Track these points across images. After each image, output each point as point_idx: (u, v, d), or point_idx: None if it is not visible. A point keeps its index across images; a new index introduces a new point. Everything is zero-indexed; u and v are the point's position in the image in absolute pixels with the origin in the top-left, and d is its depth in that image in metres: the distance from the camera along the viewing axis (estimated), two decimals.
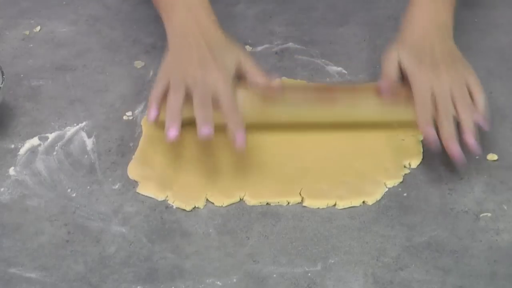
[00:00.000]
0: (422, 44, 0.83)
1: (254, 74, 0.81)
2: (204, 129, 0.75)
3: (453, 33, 0.86)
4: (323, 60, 0.99)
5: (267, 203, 0.79)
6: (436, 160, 0.82)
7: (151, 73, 0.96)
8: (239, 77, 0.82)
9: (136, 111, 0.90)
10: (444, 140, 0.77)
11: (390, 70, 0.83)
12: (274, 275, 0.72)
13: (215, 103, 0.77)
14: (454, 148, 0.77)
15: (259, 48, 1.01)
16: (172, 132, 0.76)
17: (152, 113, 0.78)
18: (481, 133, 0.80)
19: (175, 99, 0.78)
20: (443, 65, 0.81)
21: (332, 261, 0.73)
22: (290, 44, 1.02)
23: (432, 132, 0.78)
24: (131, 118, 0.89)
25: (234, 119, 0.76)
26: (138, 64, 0.98)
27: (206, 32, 0.83)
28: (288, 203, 0.79)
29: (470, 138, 0.77)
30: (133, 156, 0.84)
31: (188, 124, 0.78)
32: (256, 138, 0.83)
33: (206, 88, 0.77)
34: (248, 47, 1.01)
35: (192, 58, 0.80)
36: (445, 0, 0.87)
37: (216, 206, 0.78)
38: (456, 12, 0.87)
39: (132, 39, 1.02)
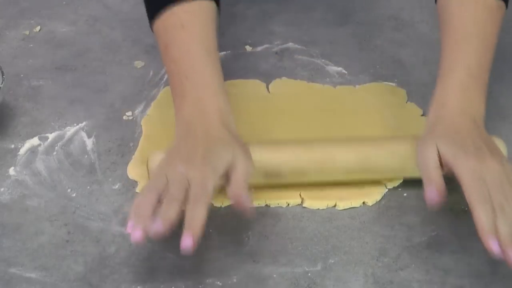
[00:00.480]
0: (461, 137, 0.74)
1: (235, 184, 0.72)
2: (156, 226, 0.66)
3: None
4: (323, 60, 0.98)
5: (266, 205, 0.79)
6: None
7: (151, 73, 0.96)
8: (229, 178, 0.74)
9: (136, 111, 0.90)
10: (503, 246, 0.67)
11: (431, 168, 0.72)
12: (274, 275, 0.72)
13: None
14: None
15: (259, 48, 1.01)
16: (136, 234, 0.66)
17: (131, 229, 0.67)
18: None
19: (145, 198, 0.69)
20: (489, 153, 0.72)
21: (332, 261, 0.73)
22: (290, 44, 1.02)
23: (497, 249, 0.66)
24: (131, 118, 0.89)
25: (193, 215, 0.67)
26: (138, 64, 0.98)
27: (210, 130, 0.75)
28: (288, 204, 0.79)
29: None
30: (133, 156, 0.84)
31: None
32: (256, 138, 0.83)
33: (182, 182, 0.70)
34: (248, 47, 1.01)
35: (182, 154, 0.73)
36: (477, 88, 0.78)
37: (216, 206, 0.78)
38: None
39: (132, 39, 1.02)
